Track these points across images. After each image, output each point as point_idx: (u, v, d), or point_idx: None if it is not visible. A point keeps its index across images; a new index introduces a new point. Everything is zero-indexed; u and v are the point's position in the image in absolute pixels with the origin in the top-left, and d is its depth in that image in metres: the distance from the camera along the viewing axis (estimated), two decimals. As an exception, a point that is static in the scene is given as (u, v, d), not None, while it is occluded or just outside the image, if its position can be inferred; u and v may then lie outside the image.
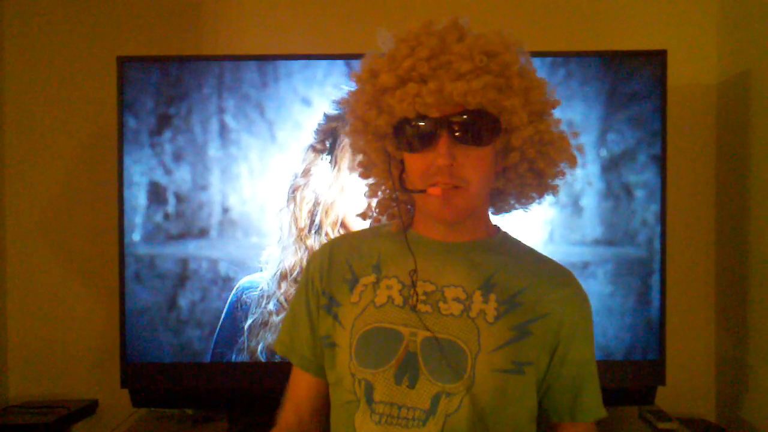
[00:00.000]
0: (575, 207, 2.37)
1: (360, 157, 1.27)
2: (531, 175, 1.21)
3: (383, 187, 1.28)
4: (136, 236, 2.39)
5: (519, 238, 1.33)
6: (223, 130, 2.36)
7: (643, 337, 2.37)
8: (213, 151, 2.37)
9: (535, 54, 2.34)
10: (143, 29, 2.71)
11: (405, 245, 1.21)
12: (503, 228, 1.32)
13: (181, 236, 2.37)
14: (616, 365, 2.37)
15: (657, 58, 2.36)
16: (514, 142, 1.15)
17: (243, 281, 2.34)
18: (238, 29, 2.72)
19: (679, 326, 2.56)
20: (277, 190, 2.34)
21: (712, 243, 2.70)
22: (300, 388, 1.32)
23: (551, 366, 1.20)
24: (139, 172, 2.39)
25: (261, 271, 2.34)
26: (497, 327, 1.15)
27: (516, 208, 1.31)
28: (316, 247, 2.26)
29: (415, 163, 1.14)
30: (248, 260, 2.34)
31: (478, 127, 1.10)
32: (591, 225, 2.37)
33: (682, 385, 2.61)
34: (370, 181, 1.29)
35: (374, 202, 1.30)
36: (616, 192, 2.37)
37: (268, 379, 2.33)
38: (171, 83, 2.39)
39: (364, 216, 1.31)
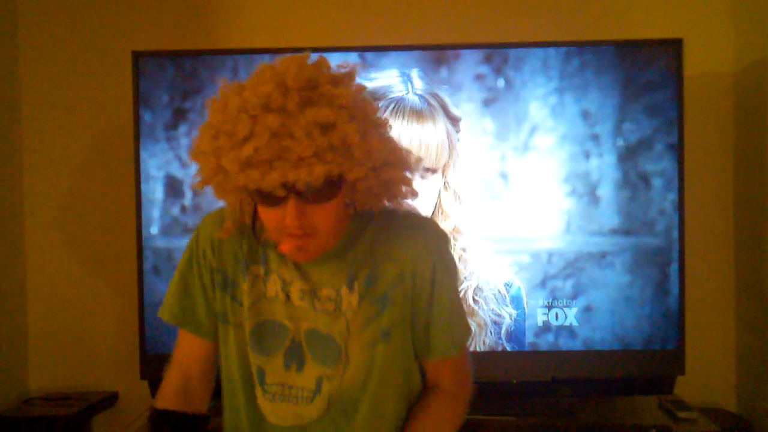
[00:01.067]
0: (592, 197, 2.36)
1: (201, 177, 1.25)
2: (376, 200, 1.29)
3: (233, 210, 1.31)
4: (154, 229, 2.41)
5: (371, 212, 1.35)
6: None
7: (662, 327, 2.36)
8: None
9: (550, 44, 2.36)
10: (158, 24, 2.72)
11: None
12: (356, 214, 1.35)
13: (199, 229, 2.38)
14: (636, 355, 2.36)
15: (673, 47, 2.34)
16: (359, 187, 1.23)
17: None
18: (252, 23, 2.73)
19: (699, 315, 2.54)
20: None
21: (730, 231, 2.68)
22: (191, 351, 1.39)
23: (413, 315, 1.32)
24: (156, 166, 2.40)
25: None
26: (362, 309, 1.28)
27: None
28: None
29: (268, 215, 1.18)
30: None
31: (322, 190, 1.14)
32: (608, 215, 2.37)
33: (702, 375, 2.59)
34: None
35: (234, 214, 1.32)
36: (633, 181, 2.36)
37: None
38: (186, 77, 2.41)
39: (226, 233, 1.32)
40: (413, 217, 1.37)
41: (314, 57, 1.17)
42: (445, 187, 2.30)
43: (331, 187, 1.16)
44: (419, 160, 1.35)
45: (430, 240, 1.34)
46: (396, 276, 1.30)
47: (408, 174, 1.27)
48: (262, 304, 1.31)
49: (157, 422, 1.36)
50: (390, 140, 1.25)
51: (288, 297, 1.30)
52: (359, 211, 1.32)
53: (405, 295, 1.30)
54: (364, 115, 1.17)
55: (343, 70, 1.18)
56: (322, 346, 1.28)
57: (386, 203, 1.31)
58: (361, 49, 2.36)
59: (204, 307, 1.36)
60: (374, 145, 1.17)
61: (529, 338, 2.37)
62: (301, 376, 1.28)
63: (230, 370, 1.35)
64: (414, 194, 1.30)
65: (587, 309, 2.36)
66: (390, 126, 1.26)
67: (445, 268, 1.34)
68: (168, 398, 1.37)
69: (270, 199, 1.14)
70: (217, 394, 1.41)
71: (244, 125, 1.08)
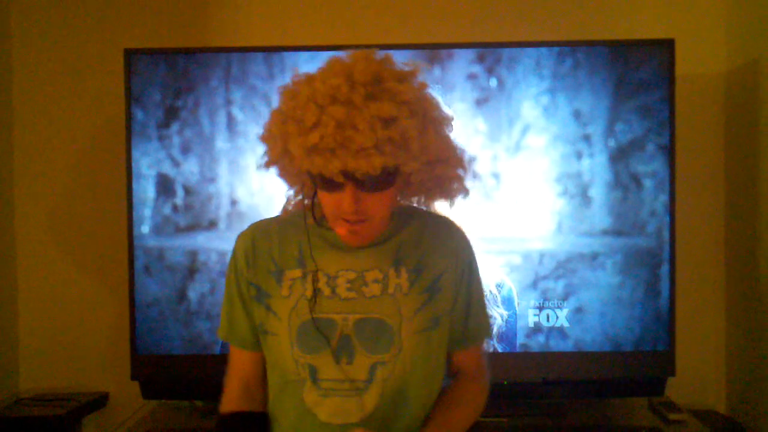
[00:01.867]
0: (583, 197, 2.36)
1: (268, 158, 1.35)
2: (428, 198, 1.43)
3: (294, 186, 1.42)
4: (145, 228, 2.40)
5: (405, 204, 1.46)
6: (231, 121, 2.37)
7: (652, 328, 2.37)
8: (221, 142, 2.37)
9: (543, 44, 2.36)
10: (151, 21, 2.71)
11: (323, 239, 1.38)
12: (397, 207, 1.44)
13: (190, 228, 2.38)
14: (626, 356, 2.36)
15: (665, 47, 2.35)
16: (413, 180, 1.32)
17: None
18: (245, 21, 2.73)
19: (689, 317, 2.55)
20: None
21: (721, 232, 2.69)
22: (244, 364, 1.45)
23: (452, 305, 1.40)
24: (147, 165, 2.40)
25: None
26: (412, 295, 1.35)
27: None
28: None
29: (326, 199, 1.27)
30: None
31: (379, 180, 1.23)
32: (600, 215, 2.37)
33: (693, 376, 2.60)
34: (282, 173, 1.40)
35: (290, 193, 1.44)
36: (625, 182, 2.36)
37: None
38: (178, 75, 2.40)
39: (283, 212, 1.45)
40: (440, 214, 1.49)
41: (381, 54, 1.27)
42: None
43: (388, 177, 1.24)
44: (473, 160, 1.41)
45: (463, 235, 1.47)
46: (443, 268, 1.39)
47: (461, 172, 1.36)
48: (303, 305, 1.35)
49: (225, 423, 1.41)
50: (447, 138, 1.33)
51: (334, 292, 1.35)
52: (402, 205, 1.43)
53: (449, 287, 1.39)
54: (424, 111, 1.26)
55: (407, 68, 1.28)
56: (372, 333, 1.33)
57: (438, 199, 1.42)
58: (354, 48, 2.35)
59: (246, 322, 1.42)
60: (431, 141, 1.26)
61: (520, 339, 2.37)
62: (353, 368, 1.32)
63: (273, 377, 1.41)
64: (465, 192, 1.40)
65: (578, 310, 2.36)
66: (452, 124, 1.35)
67: (476, 265, 1.47)
68: (232, 403, 1.43)
69: (330, 184, 1.23)
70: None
71: (312, 114, 1.18)
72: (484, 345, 1.52)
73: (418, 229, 1.42)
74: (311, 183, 1.31)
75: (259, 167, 1.37)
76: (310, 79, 1.23)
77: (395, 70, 1.24)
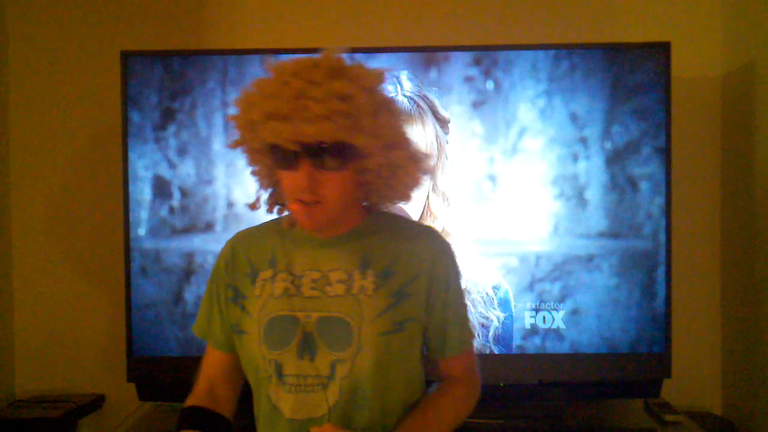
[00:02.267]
0: (580, 199, 2.37)
1: (246, 159, 1.44)
2: (385, 189, 1.41)
3: (264, 188, 1.46)
4: (142, 231, 2.40)
5: (387, 211, 1.50)
6: (227, 124, 2.37)
7: (648, 330, 2.37)
8: (217, 145, 2.37)
9: (539, 47, 2.36)
10: (147, 24, 2.71)
11: (293, 241, 1.43)
12: (373, 212, 1.48)
13: (187, 230, 2.38)
14: (622, 358, 2.37)
15: (661, 50, 2.35)
16: (368, 165, 1.34)
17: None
18: (241, 23, 2.73)
19: (685, 319, 2.55)
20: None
21: (717, 235, 2.69)
22: (213, 364, 1.50)
23: (426, 315, 1.42)
24: (144, 167, 2.39)
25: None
26: (377, 297, 1.37)
27: (387, 203, 1.49)
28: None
29: (285, 179, 1.32)
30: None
31: (332, 156, 1.27)
32: (596, 218, 2.37)
33: (688, 378, 2.60)
34: (256, 180, 1.47)
35: (264, 196, 1.47)
36: (621, 184, 2.37)
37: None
38: (175, 78, 2.40)
39: (252, 207, 1.48)
40: (421, 224, 1.55)
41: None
42: (434, 189, 2.31)
43: (342, 155, 1.28)
44: (426, 156, 1.44)
45: (444, 245, 1.47)
46: (413, 275, 1.40)
47: (415, 161, 1.39)
48: (271, 303, 1.39)
49: (185, 417, 1.45)
50: (401, 127, 1.37)
51: (298, 290, 1.38)
52: (373, 209, 1.46)
53: (420, 294, 1.40)
54: (381, 99, 1.32)
55: (374, 69, 1.34)
56: (333, 331, 1.35)
57: (393, 199, 1.44)
58: (351, 51, 2.34)
59: (220, 323, 1.48)
60: (385, 122, 1.31)
61: (517, 341, 2.38)
62: (315, 364, 1.35)
63: (248, 376, 1.45)
64: (418, 183, 1.42)
65: (574, 312, 2.37)
66: (404, 119, 1.41)
67: (455, 272, 1.47)
68: (195, 399, 1.47)
69: (287, 161, 1.28)
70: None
71: (274, 85, 1.26)
72: (472, 350, 1.53)
73: (392, 234, 1.45)
74: (272, 164, 1.35)
75: (227, 146, 1.44)
76: (281, 63, 1.30)
77: (361, 66, 1.32)
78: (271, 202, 1.46)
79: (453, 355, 1.47)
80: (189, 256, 2.38)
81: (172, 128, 2.39)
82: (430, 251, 1.44)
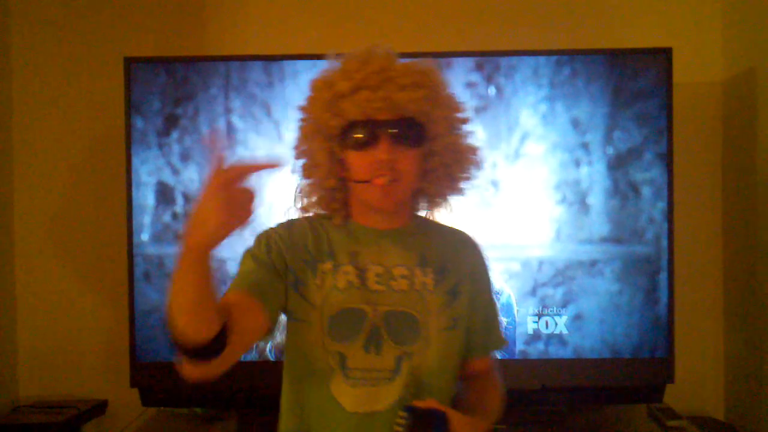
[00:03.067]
0: (582, 205, 2.37)
1: (304, 160, 1.47)
2: (446, 178, 1.45)
3: (324, 185, 1.45)
4: (145, 236, 2.40)
5: (426, 216, 1.53)
6: (230, 130, 2.37)
7: (651, 335, 2.37)
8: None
9: (541, 53, 2.37)
10: (150, 30, 2.72)
11: (350, 235, 1.44)
12: (416, 213, 1.53)
13: (189, 236, 2.38)
14: (625, 363, 2.37)
15: (662, 56, 2.36)
16: (436, 147, 1.39)
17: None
18: (244, 30, 2.73)
19: (688, 324, 2.55)
20: (284, 190, 2.34)
21: (719, 239, 2.69)
22: (232, 298, 1.33)
23: (469, 315, 1.47)
24: (147, 173, 2.40)
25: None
26: (437, 293, 1.41)
27: (429, 208, 1.53)
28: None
29: (360, 159, 1.35)
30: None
31: (412, 131, 1.34)
32: (598, 223, 2.37)
33: (691, 383, 2.60)
34: (310, 180, 1.47)
35: (314, 198, 1.47)
36: (623, 190, 2.37)
37: (276, 379, 2.33)
38: (178, 84, 2.41)
39: (305, 210, 1.49)
40: (464, 231, 1.56)
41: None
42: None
43: (419, 132, 1.35)
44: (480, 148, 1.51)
45: (482, 251, 1.54)
46: (463, 275, 1.46)
47: (473, 147, 1.45)
48: (335, 295, 1.39)
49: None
50: (463, 109, 1.45)
51: (364, 284, 1.40)
52: (428, 204, 1.51)
53: (466, 295, 1.46)
54: (447, 97, 1.41)
55: None
56: (400, 325, 1.38)
57: (449, 192, 1.48)
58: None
59: (268, 280, 1.36)
60: (453, 102, 1.42)
61: (519, 346, 2.38)
62: (380, 358, 1.36)
63: (296, 365, 1.43)
64: (472, 176, 1.47)
65: (577, 317, 2.37)
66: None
67: (490, 277, 1.55)
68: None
69: (366, 137, 1.33)
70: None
71: (355, 64, 1.34)
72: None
73: (440, 235, 1.50)
74: (345, 146, 1.37)
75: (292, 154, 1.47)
76: (347, 54, 1.39)
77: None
78: (324, 202, 1.45)
79: (487, 354, 1.54)
80: (192, 262, 2.38)
81: (175, 134, 2.40)
82: (474, 255, 1.52)
